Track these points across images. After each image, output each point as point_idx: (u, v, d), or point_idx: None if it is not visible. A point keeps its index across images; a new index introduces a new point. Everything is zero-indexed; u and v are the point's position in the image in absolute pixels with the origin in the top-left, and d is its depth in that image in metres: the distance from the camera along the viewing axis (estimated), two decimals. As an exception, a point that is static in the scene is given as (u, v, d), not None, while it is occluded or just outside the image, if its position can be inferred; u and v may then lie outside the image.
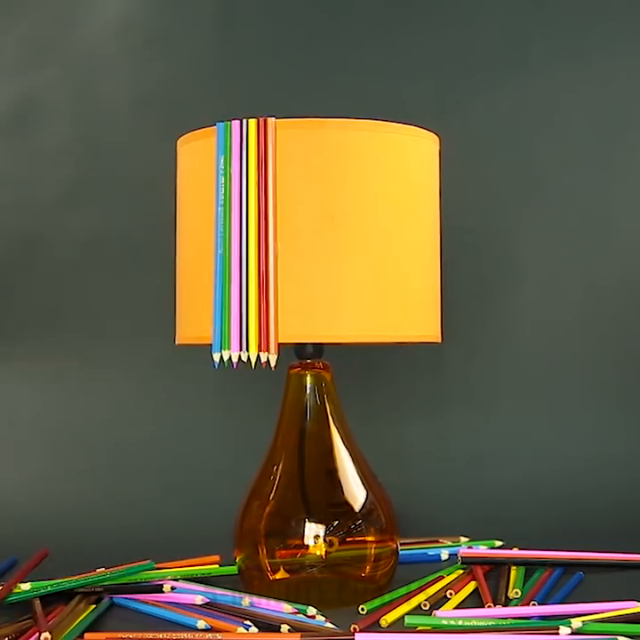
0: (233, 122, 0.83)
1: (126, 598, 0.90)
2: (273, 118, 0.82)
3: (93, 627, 0.83)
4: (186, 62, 1.30)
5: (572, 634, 0.77)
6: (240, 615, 0.84)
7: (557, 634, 0.77)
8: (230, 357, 0.83)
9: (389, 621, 0.83)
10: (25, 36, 1.30)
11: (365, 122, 0.83)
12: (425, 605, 0.87)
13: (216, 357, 0.83)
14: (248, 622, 0.82)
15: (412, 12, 1.29)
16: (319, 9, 1.30)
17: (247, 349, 0.82)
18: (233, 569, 0.93)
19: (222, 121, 0.83)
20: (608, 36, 1.29)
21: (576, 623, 0.78)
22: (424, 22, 1.30)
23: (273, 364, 0.81)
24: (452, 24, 1.29)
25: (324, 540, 0.87)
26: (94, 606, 0.87)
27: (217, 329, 0.84)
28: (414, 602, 0.87)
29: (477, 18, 1.29)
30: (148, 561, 0.94)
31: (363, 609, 0.86)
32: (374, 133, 0.83)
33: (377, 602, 0.87)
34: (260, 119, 0.82)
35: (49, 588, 0.88)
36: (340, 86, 1.29)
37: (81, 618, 0.84)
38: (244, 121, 0.83)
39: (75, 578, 0.91)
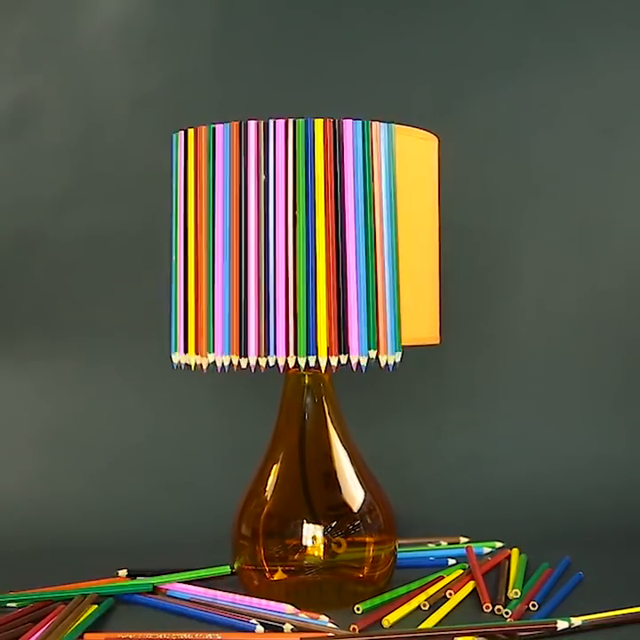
0: (180, 132, 0.85)
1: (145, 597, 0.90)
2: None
3: (95, 626, 0.83)
4: (186, 62, 1.30)
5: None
6: (244, 614, 0.84)
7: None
8: (179, 360, 0.86)
9: (392, 622, 0.83)
10: (25, 36, 1.30)
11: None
12: (424, 606, 0.87)
13: (174, 359, 0.87)
14: (254, 621, 0.82)
15: (411, 13, 1.29)
16: (319, 9, 1.30)
17: (185, 352, 0.84)
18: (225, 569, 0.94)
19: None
20: (607, 37, 1.28)
21: (576, 622, 0.79)
22: (424, 23, 1.29)
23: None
24: (452, 25, 1.29)
25: (328, 542, 0.87)
26: (96, 606, 0.87)
27: (172, 332, 0.87)
28: (414, 602, 0.87)
29: (477, 18, 1.29)
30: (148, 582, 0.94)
31: (358, 608, 0.86)
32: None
33: (376, 601, 0.87)
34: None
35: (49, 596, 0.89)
36: (340, 87, 1.28)
37: (83, 618, 0.84)
38: (188, 130, 0.84)
39: (71, 588, 0.91)
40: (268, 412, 0.93)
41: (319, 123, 0.81)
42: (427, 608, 0.87)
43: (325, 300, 0.80)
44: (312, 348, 0.80)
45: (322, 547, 0.87)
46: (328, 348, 0.80)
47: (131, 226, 1.28)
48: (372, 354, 0.82)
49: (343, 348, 0.81)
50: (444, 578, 0.94)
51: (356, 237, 0.81)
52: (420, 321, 0.87)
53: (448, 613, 0.85)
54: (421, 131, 0.88)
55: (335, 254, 0.81)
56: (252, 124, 0.81)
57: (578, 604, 0.86)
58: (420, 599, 0.88)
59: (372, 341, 0.82)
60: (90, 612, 0.85)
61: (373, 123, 0.82)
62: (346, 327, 0.81)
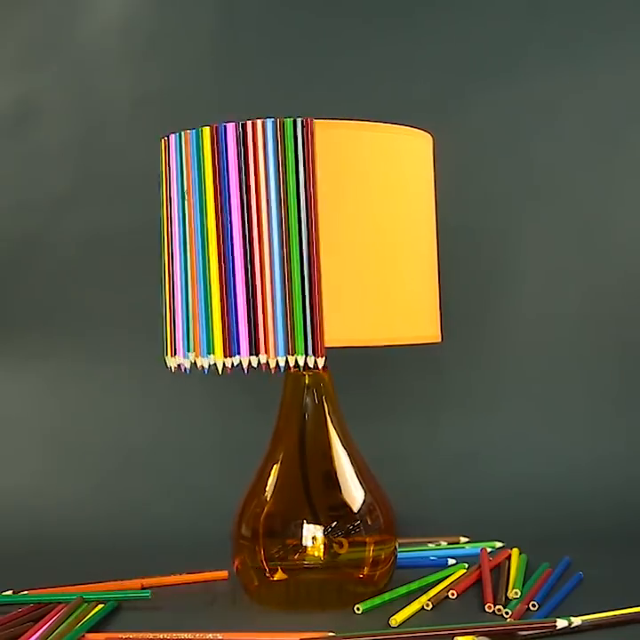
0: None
1: None
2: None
3: (96, 627, 0.83)
4: (186, 62, 1.31)
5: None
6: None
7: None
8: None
9: (399, 620, 0.83)
10: (25, 35, 1.30)
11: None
12: (428, 606, 0.87)
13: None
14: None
15: (411, 14, 1.29)
16: (319, 9, 1.30)
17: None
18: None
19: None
20: (607, 38, 1.28)
21: (575, 621, 0.79)
22: (423, 24, 1.29)
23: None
24: (451, 25, 1.29)
25: (328, 542, 0.87)
26: (102, 606, 0.87)
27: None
28: (416, 602, 0.87)
29: (477, 19, 1.29)
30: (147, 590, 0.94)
31: (358, 608, 0.86)
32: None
33: (376, 601, 0.87)
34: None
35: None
36: (339, 87, 1.28)
37: (86, 619, 0.84)
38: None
39: (65, 591, 0.92)
40: (268, 412, 0.93)
41: (164, 141, 0.86)
42: (430, 608, 0.87)
43: (168, 301, 0.86)
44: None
45: (322, 547, 0.87)
46: (168, 350, 0.85)
47: (131, 226, 1.28)
48: (192, 356, 0.83)
49: (174, 350, 0.85)
50: (445, 578, 0.95)
51: (179, 242, 0.84)
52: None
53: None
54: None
55: (169, 257, 0.85)
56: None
57: (578, 604, 0.86)
58: (420, 599, 0.87)
59: (191, 344, 0.83)
60: (93, 612, 0.86)
61: (185, 132, 0.84)
62: (176, 329, 0.84)
